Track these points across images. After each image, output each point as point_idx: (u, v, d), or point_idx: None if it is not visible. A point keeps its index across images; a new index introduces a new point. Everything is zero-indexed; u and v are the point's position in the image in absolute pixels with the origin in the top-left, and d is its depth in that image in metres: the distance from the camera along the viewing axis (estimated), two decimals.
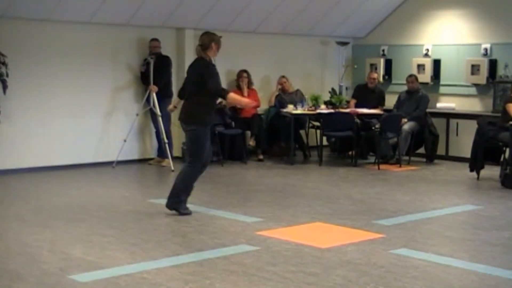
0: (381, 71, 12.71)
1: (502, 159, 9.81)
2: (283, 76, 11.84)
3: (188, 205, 7.73)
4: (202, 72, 7.09)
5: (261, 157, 11.38)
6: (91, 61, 10.40)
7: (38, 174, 9.69)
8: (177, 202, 7.22)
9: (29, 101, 9.83)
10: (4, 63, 9.27)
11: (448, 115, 11.66)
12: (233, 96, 7.35)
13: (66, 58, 10.15)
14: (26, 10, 9.47)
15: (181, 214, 7.19)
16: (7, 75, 9.29)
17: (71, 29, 10.18)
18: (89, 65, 10.39)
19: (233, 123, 11.00)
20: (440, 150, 11.53)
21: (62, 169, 10.05)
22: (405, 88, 11.59)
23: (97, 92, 10.51)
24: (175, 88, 11.06)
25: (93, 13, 10.05)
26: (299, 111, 11.13)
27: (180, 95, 7.59)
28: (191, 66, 7.39)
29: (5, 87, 9.29)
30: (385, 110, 11.63)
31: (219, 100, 11.20)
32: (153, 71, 10.36)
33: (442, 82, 12.12)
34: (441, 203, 8.12)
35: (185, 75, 11.05)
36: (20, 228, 6.69)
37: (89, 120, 10.43)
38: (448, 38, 12.12)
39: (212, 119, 7.36)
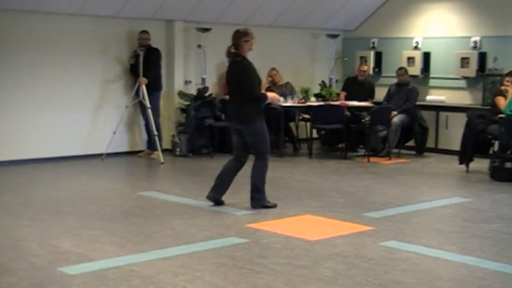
0: (371, 63, 12.72)
1: (491, 151, 9.85)
2: (273, 69, 11.82)
3: (178, 198, 7.73)
4: (243, 73, 7.06)
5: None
6: (80, 53, 10.35)
7: (27, 166, 9.64)
8: (261, 198, 7.19)
9: (17, 93, 9.78)
10: None
11: (438, 108, 11.68)
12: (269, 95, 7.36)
13: (55, 50, 10.10)
14: (14, 1, 9.40)
15: (267, 207, 7.18)
16: None
17: (60, 21, 10.11)
18: (78, 57, 10.34)
19: (223, 116, 10.97)
20: (430, 143, 11.56)
21: (51, 161, 10.00)
22: (395, 80, 11.59)
23: (86, 85, 10.46)
24: (164, 80, 11.05)
25: (82, 5, 10.00)
26: (289, 103, 11.12)
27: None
28: (232, 66, 7.20)
29: None
30: (375, 103, 11.63)
31: (209, 92, 11.29)
32: (143, 64, 10.31)
33: (432, 75, 12.13)
34: (430, 196, 8.14)
35: (175, 67, 11.23)
36: (8, 222, 6.65)
37: (78, 112, 10.39)
38: (438, 31, 12.13)
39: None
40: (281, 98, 7.50)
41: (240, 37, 7.11)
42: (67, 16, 10.13)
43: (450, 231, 6.66)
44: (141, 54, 10.30)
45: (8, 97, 9.67)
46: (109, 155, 10.42)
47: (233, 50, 7.13)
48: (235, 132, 7.24)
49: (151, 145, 10.70)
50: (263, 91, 7.54)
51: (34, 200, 7.60)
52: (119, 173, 9.99)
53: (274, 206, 7.24)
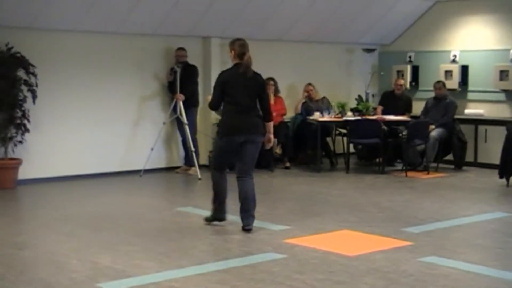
0: (408, 77, 12.63)
1: None
2: (310, 84, 11.81)
3: None
4: (264, 85, 7.20)
5: (287, 164, 11.35)
6: (118, 70, 10.48)
7: (66, 183, 9.75)
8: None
9: (57, 110, 9.92)
10: (33, 74, 9.38)
11: (477, 122, 11.55)
12: None
13: (94, 68, 10.23)
14: (53, 21, 9.56)
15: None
16: (37, 85, 9.40)
17: (99, 39, 10.26)
18: (116, 74, 10.46)
19: None
20: (469, 157, 11.42)
21: (90, 178, 10.11)
22: (432, 94, 11.50)
23: (124, 101, 10.58)
24: (201, 96, 11.11)
25: (120, 23, 10.12)
26: (326, 118, 11.10)
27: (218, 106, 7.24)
28: (244, 77, 7.09)
29: (34, 97, 9.39)
30: (412, 117, 11.55)
31: None
32: (180, 80, 10.40)
33: (470, 88, 12.00)
34: (470, 211, 8.03)
35: (212, 83, 11.25)
36: (48, 237, 6.74)
37: (116, 129, 10.50)
38: (475, 44, 12.01)
39: None
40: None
41: (248, 47, 7.14)
42: (105, 34, 10.26)
43: (492, 246, 6.55)
44: (178, 71, 10.39)
45: (47, 114, 9.80)
46: (147, 171, 10.50)
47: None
48: (238, 145, 7.00)
49: (188, 161, 10.76)
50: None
51: (73, 216, 7.67)
52: (157, 189, 10.05)
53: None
